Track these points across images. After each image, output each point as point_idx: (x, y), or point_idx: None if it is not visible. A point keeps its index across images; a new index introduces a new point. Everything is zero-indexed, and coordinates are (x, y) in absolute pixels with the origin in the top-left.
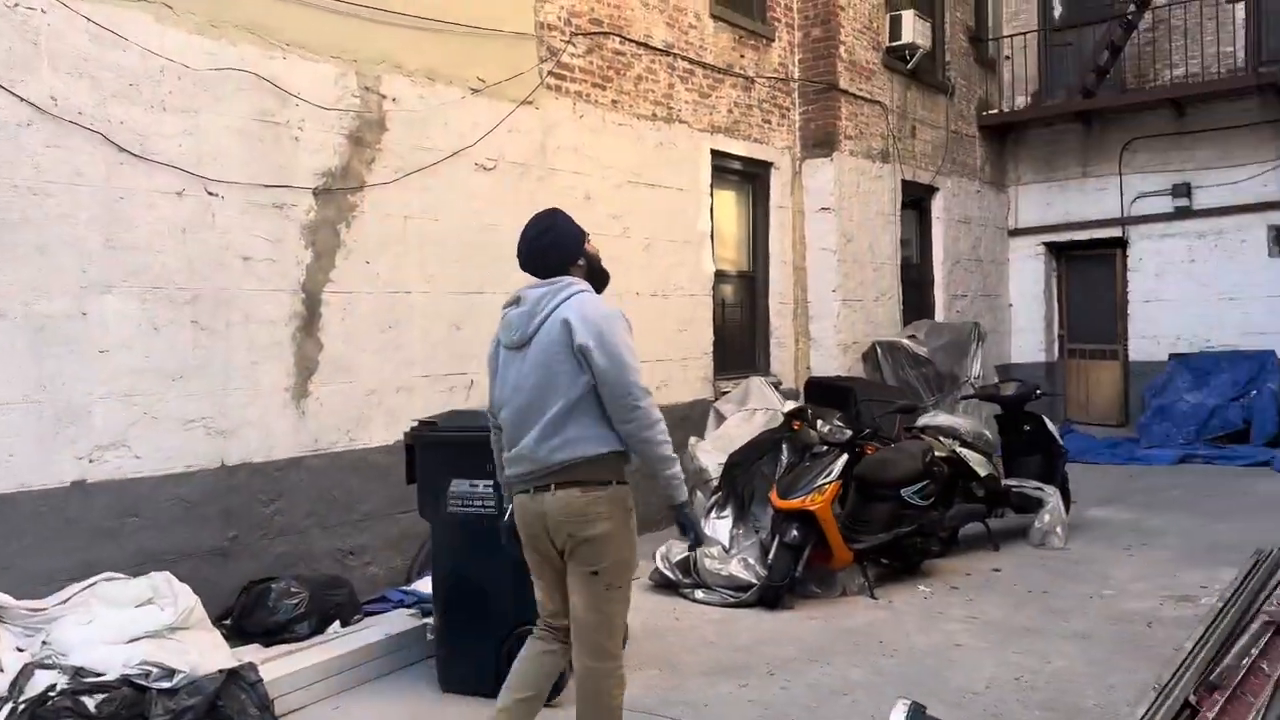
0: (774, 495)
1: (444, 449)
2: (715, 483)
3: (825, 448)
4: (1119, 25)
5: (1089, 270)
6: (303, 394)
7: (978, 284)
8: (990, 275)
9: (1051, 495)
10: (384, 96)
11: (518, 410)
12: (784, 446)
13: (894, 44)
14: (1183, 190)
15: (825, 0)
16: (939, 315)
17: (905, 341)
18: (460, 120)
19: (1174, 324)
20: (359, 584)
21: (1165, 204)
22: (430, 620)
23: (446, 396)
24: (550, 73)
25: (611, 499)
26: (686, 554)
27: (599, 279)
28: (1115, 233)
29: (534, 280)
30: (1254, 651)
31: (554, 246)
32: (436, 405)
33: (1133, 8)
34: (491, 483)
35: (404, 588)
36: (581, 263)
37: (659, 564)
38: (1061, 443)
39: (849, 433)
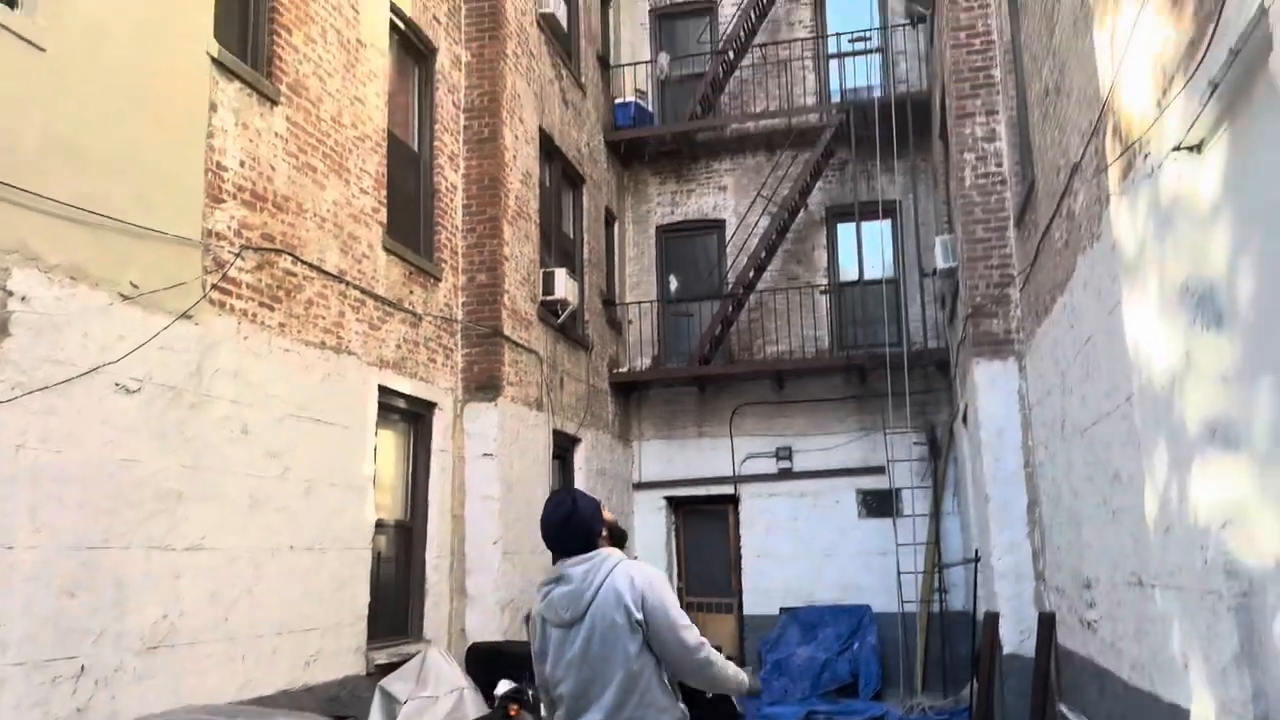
0: None
1: None
2: None
3: None
4: (730, 303)
5: (706, 525)
6: None
7: None
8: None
9: None
10: (10, 294)
11: (578, 685)
12: None
13: (547, 298)
14: (785, 453)
15: (492, 249)
16: None
17: None
18: (104, 331)
19: (782, 578)
20: None
21: (771, 465)
22: None
23: (47, 690)
24: (215, 286)
25: None
26: None
27: (620, 539)
28: (728, 490)
29: (572, 559)
30: None
31: (580, 528)
32: (28, 706)
33: (740, 290)
34: None
35: None
36: (605, 532)
37: None
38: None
39: None
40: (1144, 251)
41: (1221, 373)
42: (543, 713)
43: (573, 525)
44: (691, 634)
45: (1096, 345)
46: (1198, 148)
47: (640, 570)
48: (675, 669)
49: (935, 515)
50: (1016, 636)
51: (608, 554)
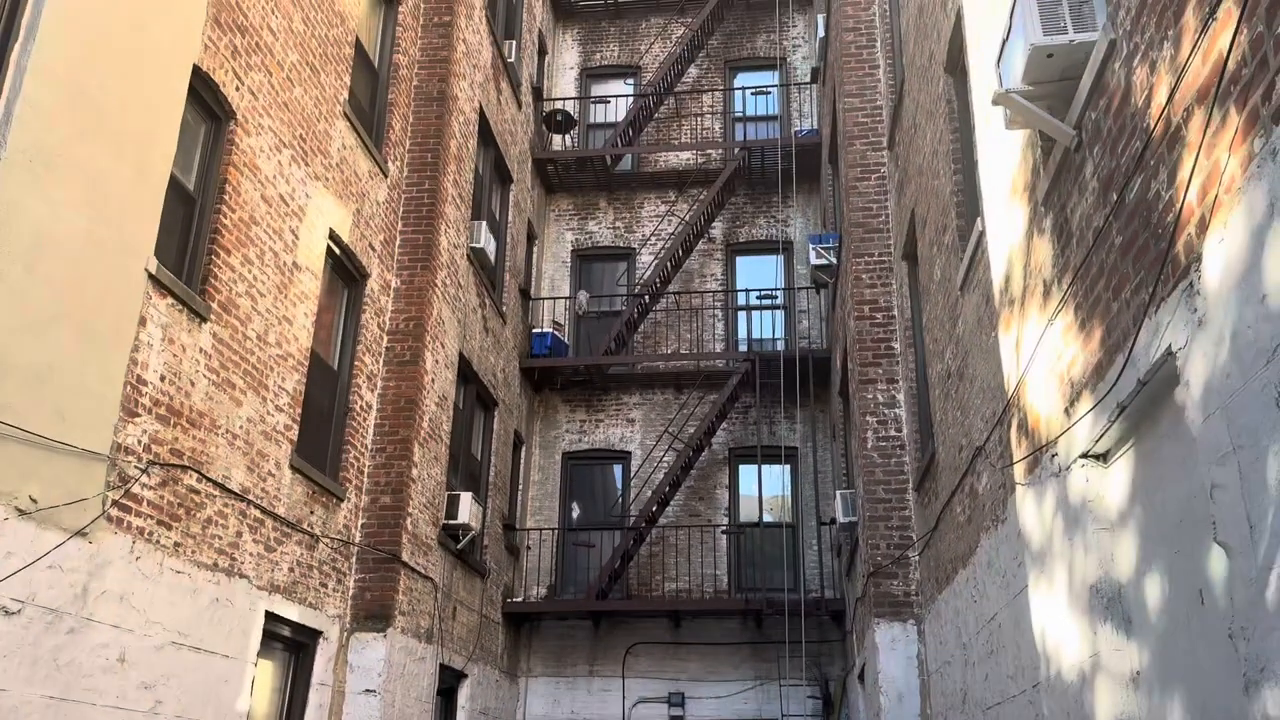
0: None
1: None
2: None
3: None
4: (631, 536)
5: None
6: None
7: None
8: None
9: None
10: None
11: None
12: None
13: (449, 522)
14: (678, 700)
15: (400, 470)
16: None
17: None
18: None
19: None
20: None
21: (662, 712)
22: None
23: None
24: (116, 502)
25: None
26: None
27: None
28: None
29: None
30: None
31: None
32: None
33: (643, 523)
34: None
35: None
36: None
37: None
38: None
39: None
40: (1051, 545)
41: (1131, 675)
42: None
43: None
44: None
45: (1002, 626)
46: (1104, 457)
47: None
48: None
49: None
50: None
51: None
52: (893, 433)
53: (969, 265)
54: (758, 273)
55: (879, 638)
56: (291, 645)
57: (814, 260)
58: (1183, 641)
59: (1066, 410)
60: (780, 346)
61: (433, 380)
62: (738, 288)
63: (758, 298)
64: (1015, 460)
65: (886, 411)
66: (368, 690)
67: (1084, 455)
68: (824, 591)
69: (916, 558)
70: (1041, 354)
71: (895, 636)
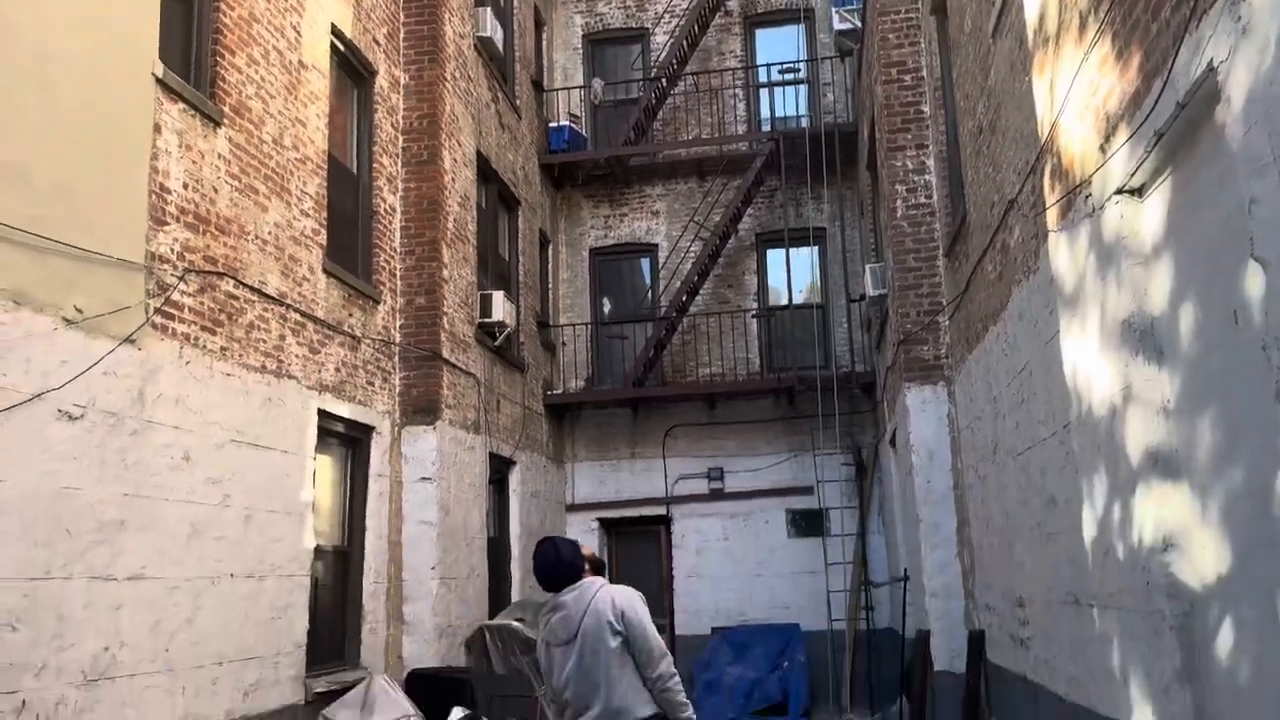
0: None
1: None
2: None
3: None
4: (663, 326)
5: (638, 545)
6: None
7: None
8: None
9: None
10: None
11: (578, 690)
12: None
13: (484, 320)
14: (716, 474)
15: (431, 271)
16: (515, 593)
17: (515, 624)
18: (47, 357)
19: (713, 598)
20: None
21: (702, 486)
22: None
23: None
24: (158, 310)
25: None
26: None
27: (600, 569)
28: (660, 510)
29: (564, 591)
30: None
31: (566, 569)
32: None
33: (674, 313)
34: None
35: None
36: (587, 567)
37: None
38: None
39: None
40: (1084, 286)
41: (1163, 404)
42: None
43: (559, 568)
44: (657, 645)
45: (1033, 374)
46: (1139, 191)
47: (620, 592)
48: (642, 673)
49: (861, 535)
50: (947, 654)
51: (590, 582)
52: (922, 200)
53: (1001, 8)
54: (779, 46)
55: (910, 401)
56: (347, 440)
57: (837, 25)
58: (1215, 364)
59: (1101, 147)
60: (804, 124)
61: (453, 180)
62: (758, 63)
63: (779, 73)
64: (1048, 206)
65: (916, 179)
66: (424, 478)
67: (1118, 191)
68: (854, 366)
69: (946, 322)
70: (1076, 92)
71: (926, 399)
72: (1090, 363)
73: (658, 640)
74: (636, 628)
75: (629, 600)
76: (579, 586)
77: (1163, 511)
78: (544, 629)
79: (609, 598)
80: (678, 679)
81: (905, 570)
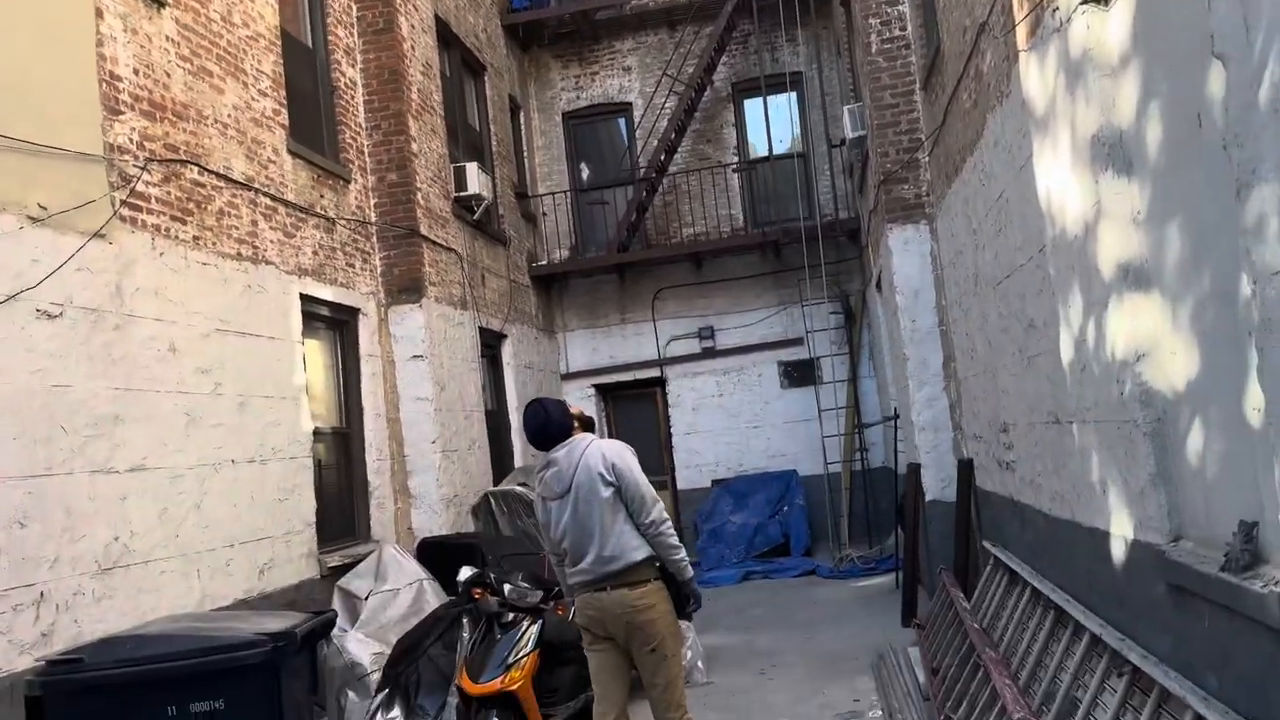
0: (464, 679)
1: (101, 696)
2: (372, 678)
3: (513, 615)
4: (643, 188)
5: (635, 408)
6: None
7: None
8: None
9: (689, 630)
10: None
11: (574, 539)
12: (464, 620)
13: (460, 194)
14: (707, 333)
15: (399, 145)
16: (518, 461)
17: (519, 489)
18: (16, 256)
19: (712, 452)
20: None
21: (694, 345)
22: None
23: (10, 619)
24: (124, 202)
25: (655, 590)
26: None
27: (589, 425)
28: (655, 373)
29: (555, 448)
30: None
31: (556, 428)
32: None
33: (653, 174)
34: None
35: None
36: (576, 425)
37: None
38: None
39: (539, 594)
40: (1054, 106)
41: (1132, 216)
42: (553, 562)
43: (549, 428)
44: (649, 492)
45: (1009, 201)
46: (1105, 0)
47: (609, 445)
48: (635, 520)
49: (853, 380)
50: (938, 484)
51: (580, 438)
52: (897, 32)
53: None
54: None
55: (892, 242)
56: (333, 324)
57: None
58: (1181, 170)
59: None
60: None
61: (412, 48)
62: None
63: None
64: (1017, 23)
65: (889, 10)
66: (415, 356)
67: (1084, 1)
68: (838, 214)
69: (926, 159)
70: None
71: (908, 238)
72: (1063, 183)
73: (649, 488)
74: (627, 476)
75: (618, 452)
76: (569, 443)
77: (1135, 323)
78: (539, 485)
79: (599, 451)
80: (669, 524)
81: (895, 409)
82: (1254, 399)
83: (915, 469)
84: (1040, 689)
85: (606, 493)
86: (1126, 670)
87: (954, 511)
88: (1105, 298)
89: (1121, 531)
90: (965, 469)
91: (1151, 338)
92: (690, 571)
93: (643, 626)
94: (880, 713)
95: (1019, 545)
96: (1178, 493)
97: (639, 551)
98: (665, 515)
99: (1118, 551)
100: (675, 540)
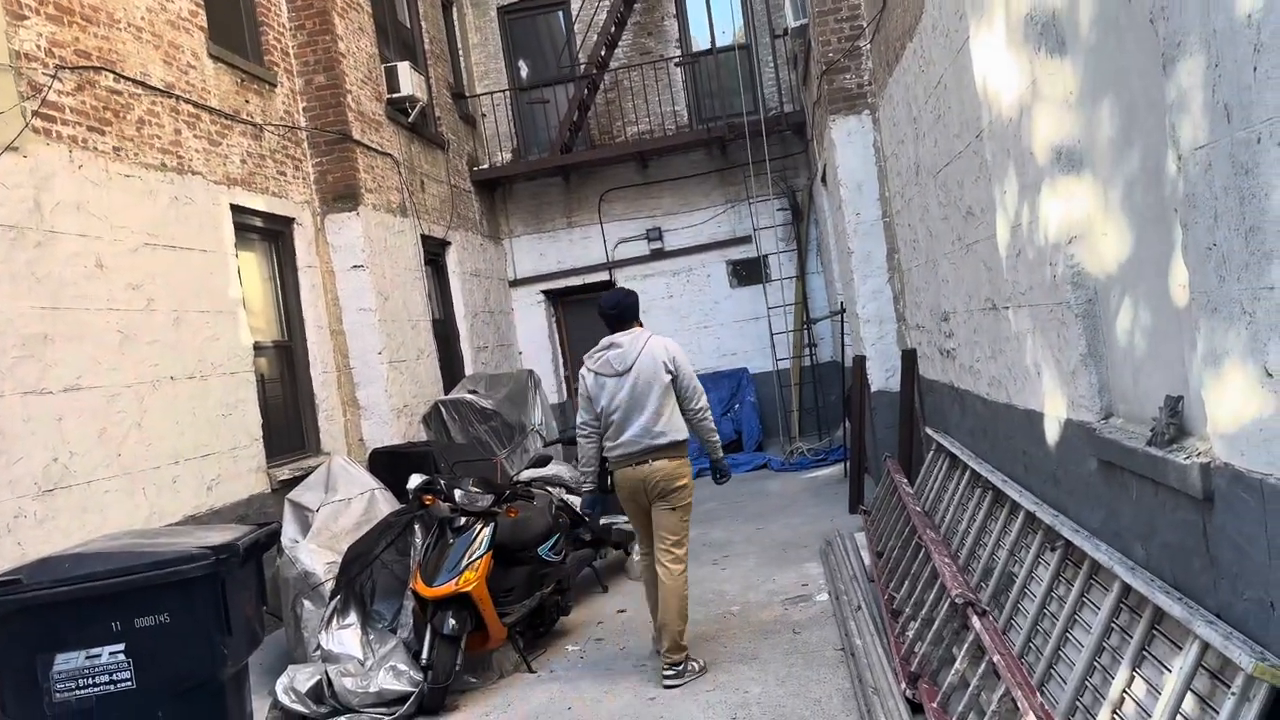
0: (418, 584)
1: (41, 615)
2: (326, 587)
3: (465, 519)
4: (585, 86)
5: (586, 313)
6: None
7: (494, 335)
8: (502, 325)
9: None
10: None
11: (627, 409)
12: (415, 527)
13: (393, 96)
14: (655, 235)
15: (325, 46)
16: (469, 368)
17: (469, 396)
18: None
19: None
20: None
21: (643, 248)
22: None
23: None
24: (36, 113)
25: (687, 463)
26: (316, 678)
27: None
28: (603, 276)
29: (620, 333)
30: (945, 635)
31: (627, 308)
32: None
33: (594, 70)
34: (122, 647)
35: None
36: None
37: (281, 697)
38: None
39: (490, 498)
40: None
41: (1065, 97)
42: (580, 436)
43: (620, 312)
44: (699, 386)
45: (947, 87)
46: None
47: (670, 341)
48: (684, 406)
49: (801, 276)
50: (883, 375)
51: (644, 330)
52: None
53: None
54: None
55: (835, 134)
56: (268, 234)
57: None
58: (1111, 48)
59: None
60: None
61: None
62: None
63: None
64: None
65: None
66: (355, 266)
67: None
68: (784, 107)
69: (868, 46)
70: None
71: (851, 129)
72: (999, 65)
73: (699, 383)
74: (684, 368)
75: (678, 349)
76: (632, 332)
77: (1068, 206)
78: (594, 363)
79: (661, 344)
80: (711, 413)
81: (842, 304)
82: (1179, 276)
83: (860, 361)
84: (979, 566)
85: (666, 379)
86: (1060, 545)
87: (898, 401)
88: (1039, 181)
89: (1055, 412)
90: (909, 359)
91: (1084, 220)
92: (722, 451)
93: (677, 491)
94: (826, 595)
95: (959, 430)
96: (1108, 371)
97: (682, 432)
98: (709, 406)
99: (1051, 431)
100: (714, 425)
